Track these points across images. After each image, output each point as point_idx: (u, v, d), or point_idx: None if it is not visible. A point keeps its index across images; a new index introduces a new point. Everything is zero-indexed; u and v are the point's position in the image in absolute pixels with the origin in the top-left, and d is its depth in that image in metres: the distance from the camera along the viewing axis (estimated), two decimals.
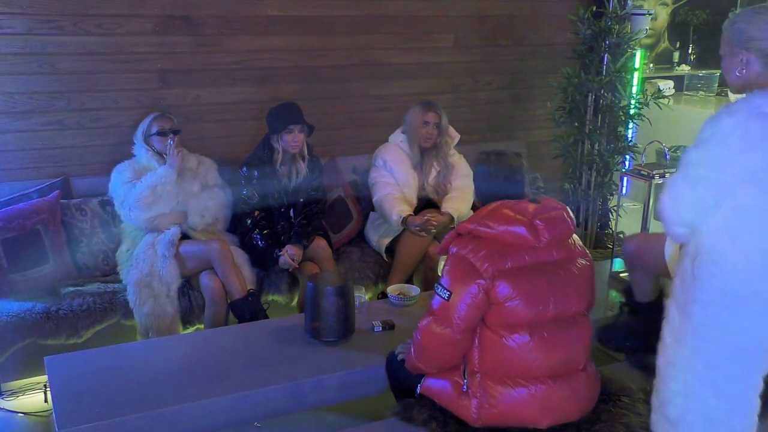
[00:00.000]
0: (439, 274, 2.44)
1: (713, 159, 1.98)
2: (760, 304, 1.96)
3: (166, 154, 3.62)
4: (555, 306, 2.34)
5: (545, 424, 2.36)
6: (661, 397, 2.10)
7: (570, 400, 2.39)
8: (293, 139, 3.70)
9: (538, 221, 2.32)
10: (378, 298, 3.80)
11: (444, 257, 2.82)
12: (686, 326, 2.02)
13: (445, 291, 2.33)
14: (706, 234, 1.99)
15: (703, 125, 2.02)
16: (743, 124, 1.93)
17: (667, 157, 3.82)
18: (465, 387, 2.38)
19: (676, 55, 6.71)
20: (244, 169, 3.76)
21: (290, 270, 3.71)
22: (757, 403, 2.05)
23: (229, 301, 3.49)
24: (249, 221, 3.74)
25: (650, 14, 4.98)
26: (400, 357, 2.65)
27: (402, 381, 2.64)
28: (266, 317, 3.47)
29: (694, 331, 2.01)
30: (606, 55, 4.65)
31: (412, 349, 2.47)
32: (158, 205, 3.57)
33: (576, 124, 4.76)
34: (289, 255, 3.63)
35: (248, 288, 3.50)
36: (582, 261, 2.45)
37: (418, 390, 2.53)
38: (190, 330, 3.55)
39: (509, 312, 2.30)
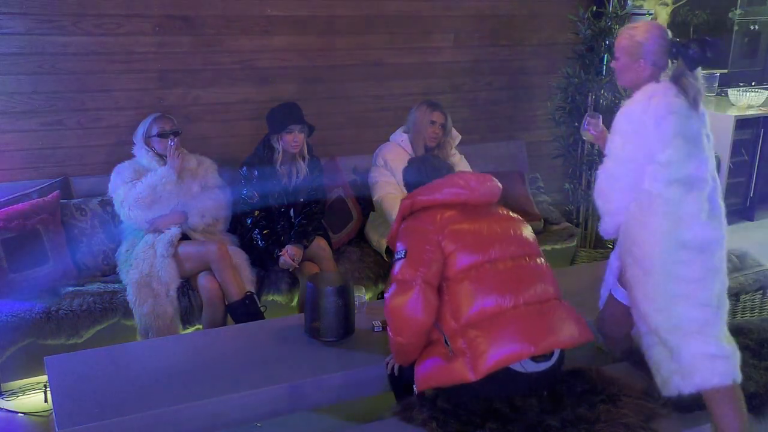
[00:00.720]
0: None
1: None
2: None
3: (166, 156, 3.62)
4: (496, 241, 2.53)
5: (537, 349, 2.42)
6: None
7: (554, 324, 2.48)
8: (293, 139, 3.70)
9: (468, 177, 2.64)
10: (378, 298, 3.80)
11: None
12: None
13: (400, 252, 2.52)
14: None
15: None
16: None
17: None
18: (450, 351, 2.43)
19: None
20: (244, 168, 3.76)
21: (290, 270, 3.71)
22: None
23: (226, 303, 3.48)
24: (249, 221, 3.74)
25: (650, 14, 4.99)
26: (389, 365, 2.69)
27: (402, 380, 2.64)
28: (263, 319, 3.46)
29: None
30: (606, 55, 4.65)
31: (390, 332, 2.54)
32: (158, 205, 3.57)
33: (576, 124, 4.75)
34: (289, 255, 3.63)
35: (246, 290, 3.50)
36: (509, 212, 2.71)
37: (415, 389, 2.54)
38: (190, 330, 3.55)
39: (463, 256, 2.47)
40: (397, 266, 2.51)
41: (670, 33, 2.66)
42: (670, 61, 2.64)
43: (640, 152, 2.53)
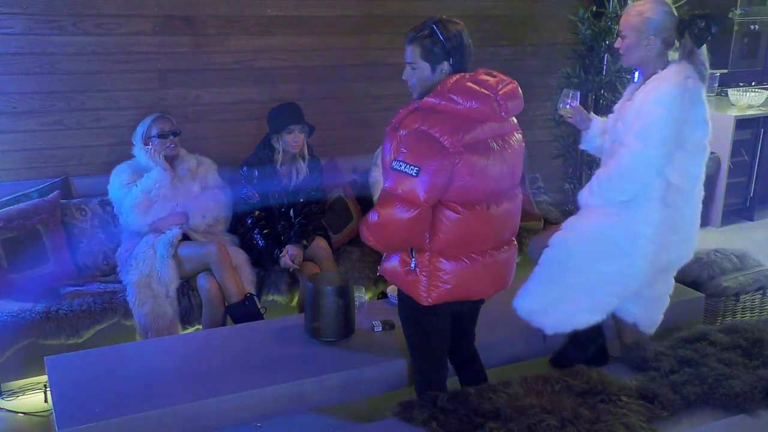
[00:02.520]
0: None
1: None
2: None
3: (166, 157, 3.61)
4: (499, 180, 2.42)
5: (491, 293, 2.51)
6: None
7: (506, 268, 2.56)
8: (294, 139, 3.70)
9: (500, 96, 2.35)
10: (378, 298, 3.79)
11: None
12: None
13: (412, 167, 2.26)
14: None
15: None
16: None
17: None
18: (413, 265, 2.42)
19: (676, 55, 6.69)
20: (245, 168, 3.75)
21: (290, 270, 3.71)
22: None
23: (226, 305, 3.48)
24: (249, 221, 3.73)
25: None
26: None
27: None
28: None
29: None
30: (606, 55, 4.65)
31: (365, 228, 2.41)
32: (155, 209, 3.56)
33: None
34: (289, 256, 3.63)
35: (246, 291, 3.50)
36: (517, 135, 2.52)
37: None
38: (190, 330, 3.55)
39: (467, 188, 2.34)
40: (404, 182, 2.28)
41: (674, 9, 2.68)
42: (676, 39, 2.66)
43: (676, 135, 2.57)
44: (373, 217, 2.38)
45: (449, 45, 2.40)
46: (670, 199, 2.66)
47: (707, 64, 2.67)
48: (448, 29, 2.41)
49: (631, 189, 2.65)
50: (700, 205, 2.82)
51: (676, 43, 2.68)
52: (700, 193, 2.79)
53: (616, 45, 2.76)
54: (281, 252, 3.65)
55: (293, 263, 3.63)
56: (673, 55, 2.70)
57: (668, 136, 2.58)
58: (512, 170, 2.48)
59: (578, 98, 2.95)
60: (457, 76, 2.38)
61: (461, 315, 2.65)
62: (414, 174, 2.26)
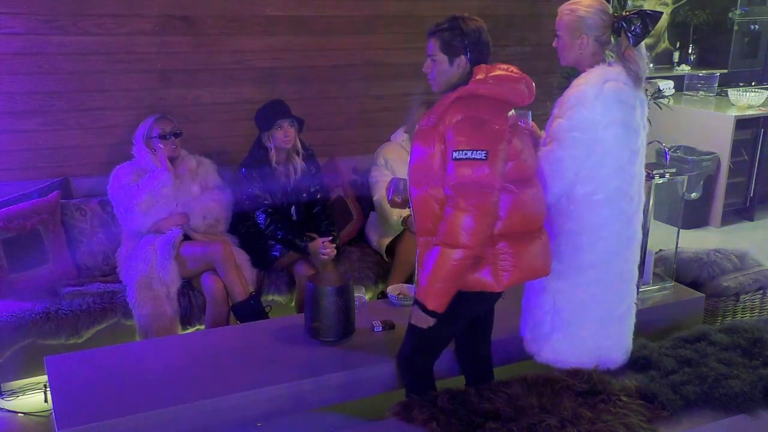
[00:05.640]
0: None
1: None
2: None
3: (166, 158, 3.62)
4: (531, 161, 2.50)
5: (548, 271, 2.57)
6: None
7: (549, 246, 2.59)
8: (284, 135, 3.69)
9: (527, 81, 2.48)
10: (378, 298, 3.79)
11: None
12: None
13: (479, 152, 2.29)
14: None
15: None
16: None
17: (667, 157, 3.82)
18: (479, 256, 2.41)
19: (676, 55, 6.71)
20: (243, 170, 3.75)
21: (327, 257, 3.65)
22: None
23: (231, 304, 3.48)
24: (264, 216, 3.68)
25: None
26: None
27: (418, 373, 2.67)
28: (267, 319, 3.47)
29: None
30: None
31: (464, 235, 2.31)
32: (156, 209, 3.56)
33: None
34: (321, 247, 3.62)
35: (250, 290, 3.50)
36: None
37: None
38: (191, 331, 3.55)
39: (521, 165, 2.42)
40: (475, 168, 2.29)
41: (610, 8, 2.63)
42: (612, 38, 2.60)
43: (587, 137, 2.53)
44: (467, 221, 2.31)
45: (467, 40, 2.47)
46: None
47: (641, 64, 2.56)
48: (468, 24, 2.51)
49: (551, 191, 2.60)
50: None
51: (613, 41, 2.61)
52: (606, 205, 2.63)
53: (553, 44, 2.71)
54: (308, 240, 3.62)
55: (329, 252, 3.62)
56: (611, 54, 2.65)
57: (580, 138, 2.53)
58: (534, 155, 2.57)
59: (529, 117, 2.91)
60: (486, 66, 2.46)
61: (481, 314, 2.69)
62: (484, 157, 2.29)
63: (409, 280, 3.85)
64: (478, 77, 2.41)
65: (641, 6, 5.29)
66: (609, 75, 2.54)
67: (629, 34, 2.54)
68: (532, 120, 2.96)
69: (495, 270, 2.42)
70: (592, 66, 2.60)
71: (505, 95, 2.40)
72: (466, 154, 2.30)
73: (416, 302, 2.47)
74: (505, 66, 2.49)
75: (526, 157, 2.46)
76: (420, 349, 2.64)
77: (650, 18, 2.53)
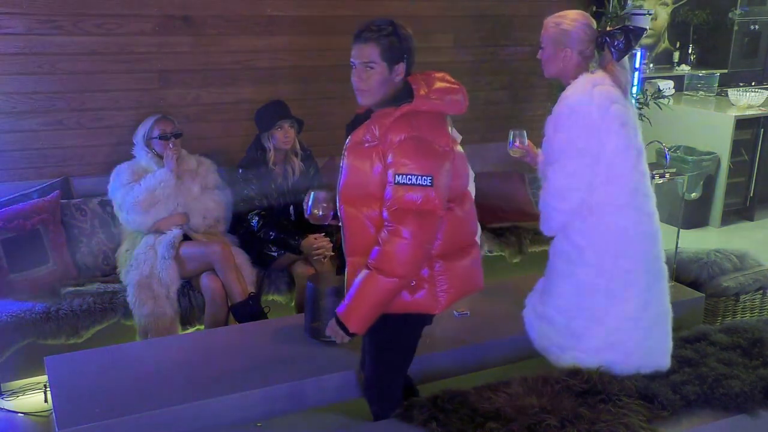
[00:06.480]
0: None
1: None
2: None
3: (172, 158, 3.62)
4: (464, 177, 2.46)
5: (482, 285, 2.53)
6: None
7: (480, 260, 2.55)
8: (284, 135, 3.69)
9: (463, 87, 2.37)
10: None
11: None
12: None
13: (425, 177, 2.17)
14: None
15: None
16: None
17: (667, 157, 3.83)
18: (413, 281, 2.33)
19: (676, 55, 6.71)
20: (240, 171, 3.74)
21: (321, 255, 3.64)
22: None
23: (229, 304, 3.48)
24: (256, 220, 3.68)
25: (650, 14, 4.98)
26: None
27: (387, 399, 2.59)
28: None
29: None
30: None
31: (394, 264, 2.24)
32: (157, 208, 3.56)
33: None
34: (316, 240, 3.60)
35: (249, 291, 3.50)
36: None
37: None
38: (191, 331, 3.55)
39: (459, 181, 2.37)
40: (419, 194, 2.18)
41: (594, 23, 2.66)
42: (596, 52, 2.63)
43: (592, 144, 2.52)
44: (405, 250, 2.22)
45: (404, 45, 2.33)
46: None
47: (623, 78, 2.58)
48: (403, 28, 2.37)
49: (559, 205, 2.61)
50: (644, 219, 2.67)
51: (596, 56, 2.63)
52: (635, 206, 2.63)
53: (538, 56, 2.71)
54: (300, 239, 3.60)
55: (322, 247, 3.59)
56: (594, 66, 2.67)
57: (585, 146, 2.54)
58: (467, 169, 2.51)
59: (525, 136, 2.91)
60: (421, 73, 2.35)
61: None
62: (429, 183, 2.19)
63: None
64: (421, 92, 2.27)
65: (641, 6, 5.29)
66: (595, 80, 2.56)
67: (612, 49, 2.57)
68: (528, 138, 2.96)
69: (433, 292, 2.37)
70: (575, 77, 2.61)
71: (447, 109, 2.31)
72: (410, 179, 2.18)
73: (337, 319, 2.36)
74: (440, 75, 2.37)
75: (461, 173, 2.39)
76: (386, 378, 2.58)
77: (633, 33, 2.57)
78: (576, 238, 2.62)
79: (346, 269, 2.40)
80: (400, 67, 2.30)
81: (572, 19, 2.62)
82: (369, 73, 2.29)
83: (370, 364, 2.57)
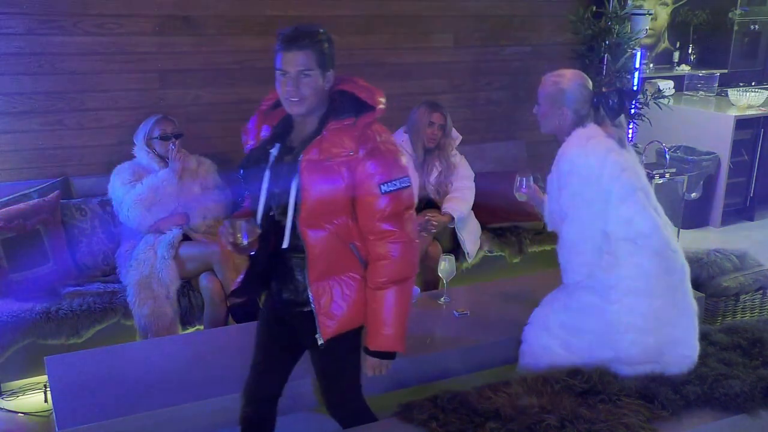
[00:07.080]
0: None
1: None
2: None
3: (167, 158, 3.62)
4: None
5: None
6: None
7: None
8: None
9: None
10: None
11: (447, 256, 2.77)
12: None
13: (405, 179, 2.23)
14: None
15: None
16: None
17: (667, 157, 3.82)
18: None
19: (676, 55, 6.71)
20: (242, 171, 3.73)
21: None
22: None
23: (228, 304, 3.48)
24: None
25: (650, 14, 4.99)
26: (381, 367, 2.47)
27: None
28: None
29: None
30: (606, 55, 4.65)
31: (400, 273, 2.24)
32: (157, 207, 3.56)
33: None
34: None
35: None
36: None
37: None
38: (191, 331, 3.55)
39: None
40: (406, 195, 2.24)
41: (590, 83, 2.73)
42: (591, 111, 2.71)
43: (598, 193, 2.58)
44: (412, 250, 2.26)
45: (333, 51, 2.27)
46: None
47: (617, 135, 2.66)
48: (329, 34, 2.28)
49: (576, 258, 2.66)
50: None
51: (591, 114, 2.70)
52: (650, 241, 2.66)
53: (533, 111, 2.78)
54: None
55: None
56: None
57: (590, 196, 2.59)
58: None
59: (531, 181, 2.95)
60: (349, 79, 2.33)
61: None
62: (409, 183, 2.25)
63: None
64: (378, 100, 2.27)
65: (641, 6, 5.29)
66: (589, 133, 2.63)
67: (607, 109, 2.66)
68: (534, 183, 3.00)
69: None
70: (569, 134, 2.68)
71: (383, 112, 2.29)
72: (395, 185, 2.20)
73: (378, 354, 2.33)
74: (359, 80, 2.34)
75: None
76: (356, 396, 2.55)
77: (626, 95, 2.68)
78: (602, 277, 2.65)
79: (311, 295, 2.28)
80: (331, 74, 2.25)
81: (569, 79, 2.70)
82: (305, 81, 2.21)
83: (337, 390, 2.51)
